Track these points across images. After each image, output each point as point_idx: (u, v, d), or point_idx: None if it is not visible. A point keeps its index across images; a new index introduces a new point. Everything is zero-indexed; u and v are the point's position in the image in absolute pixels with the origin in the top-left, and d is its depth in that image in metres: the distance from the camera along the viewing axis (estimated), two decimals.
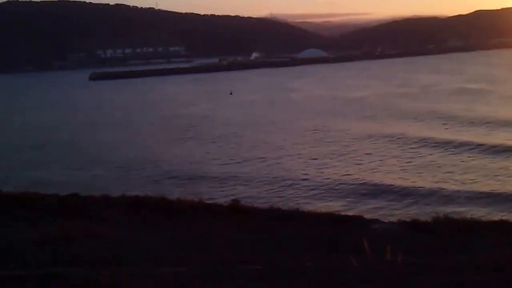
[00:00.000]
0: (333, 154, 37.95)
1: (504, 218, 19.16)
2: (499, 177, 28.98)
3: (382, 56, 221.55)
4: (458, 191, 26.76)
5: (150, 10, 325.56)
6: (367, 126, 49.03)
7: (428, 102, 64.49)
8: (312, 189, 29.07)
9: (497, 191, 26.01)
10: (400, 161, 34.51)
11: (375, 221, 17.94)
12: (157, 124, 59.24)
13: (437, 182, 28.85)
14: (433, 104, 62.57)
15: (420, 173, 31.31)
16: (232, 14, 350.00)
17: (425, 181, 29.21)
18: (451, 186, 27.71)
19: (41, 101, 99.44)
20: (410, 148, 38.42)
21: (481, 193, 26.00)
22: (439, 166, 32.58)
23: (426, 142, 39.93)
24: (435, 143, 39.06)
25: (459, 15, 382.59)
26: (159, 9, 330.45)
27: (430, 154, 36.33)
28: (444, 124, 48.25)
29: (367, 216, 19.49)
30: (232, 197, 21.66)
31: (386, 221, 18.26)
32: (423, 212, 21.14)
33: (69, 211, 16.57)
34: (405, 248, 14.80)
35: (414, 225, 16.95)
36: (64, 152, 44.85)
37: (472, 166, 32.09)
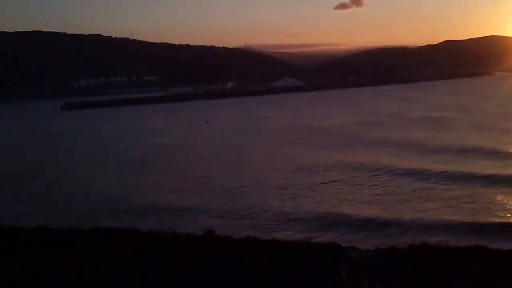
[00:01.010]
0: (302, 183, 37.62)
1: (481, 244, 19.09)
2: (462, 205, 29.00)
3: (354, 85, 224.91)
4: (421, 218, 26.66)
5: (125, 39, 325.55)
6: (334, 155, 49.00)
7: (394, 131, 65.06)
8: (285, 218, 28.70)
9: (459, 220, 26.04)
10: (369, 190, 34.36)
11: (352, 248, 17.74)
12: (126, 155, 58.29)
13: (405, 210, 28.74)
14: (397, 132, 63.12)
15: (388, 201, 31.17)
16: (207, 44, 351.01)
17: (394, 210, 29.08)
18: (416, 214, 27.62)
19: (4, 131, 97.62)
20: (375, 176, 38.30)
21: (446, 220, 26.00)
22: (403, 194, 32.47)
23: (390, 170, 39.72)
24: (406, 172, 38.87)
25: (429, 45, 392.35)
26: (134, 39, 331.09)
27: (394, 182, 36.18)
28: (409, 152, 48.41)
29: (344, 244, 19.25)
30: (206, 227, 21.17)
31: (363, 248, 18.06)
32: (396, 240, 20.97)
33: (37, 243, 16.03)
34: (384, 277, 14.62)
35: (391, 253, 16.79)
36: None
37: (436, 194, 32.08)
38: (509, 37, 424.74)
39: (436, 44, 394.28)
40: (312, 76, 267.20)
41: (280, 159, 48.45)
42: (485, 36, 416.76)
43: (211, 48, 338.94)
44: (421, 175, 37.24)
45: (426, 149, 48.92)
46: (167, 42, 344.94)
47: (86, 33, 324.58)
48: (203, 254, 16.58)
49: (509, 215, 26.36)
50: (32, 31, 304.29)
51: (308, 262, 15.91)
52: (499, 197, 30.13)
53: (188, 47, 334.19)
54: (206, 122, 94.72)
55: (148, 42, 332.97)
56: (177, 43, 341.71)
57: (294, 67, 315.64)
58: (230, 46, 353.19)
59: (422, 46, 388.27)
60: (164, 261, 15.74)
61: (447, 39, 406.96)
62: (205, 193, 36.09)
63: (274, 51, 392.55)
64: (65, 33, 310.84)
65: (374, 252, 17.14)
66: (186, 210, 31.07)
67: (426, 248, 17.20)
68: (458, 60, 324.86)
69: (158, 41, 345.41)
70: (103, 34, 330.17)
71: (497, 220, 25.40)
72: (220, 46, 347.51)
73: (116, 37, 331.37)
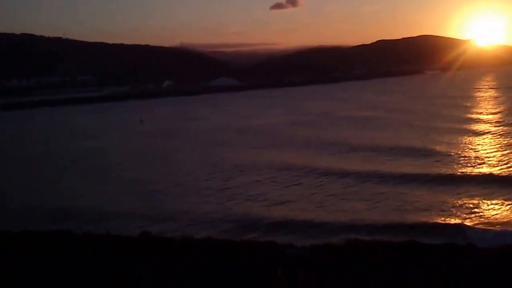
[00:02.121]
0: (232, 183, 37.08)
1: (413, 239, 19.59)
2: (389, 203, 29.36)
3: (290, 84, 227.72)
4: (351, 217, 26.79)
5: (58, 39, 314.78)
6: (264, 155, 48.71)
7: (325, 130, 65.66)
8: (212, 218, 28.23)
9: (387, 218, 26.48)
10: (298, 190, 34.16)
11: (289, 246, 17.76)
12: (57, 157, 56.20)
13: (333, 210, 28.82)
14: (328, 132, 63.69)
15: (317, 201, 31.15)
16: (142, 43, 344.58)
17: (323, 209, 29.16)
18: (345, 214, 27.78)
19: None
20: (304, 176, 38.06)
21: (374, 219, 26.31)
22: (331, 194, 32.50)
23: (318, 170, 39.46)
24: (336, 171, 38.71)
25: (363, 45, 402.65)
26: (66, 38, 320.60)
27: (324, 182, 36.18)
28: (338, 151, 48.47)
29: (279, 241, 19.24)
30: (141, 229, 20.67)
31: (299, 246, 18.12)
32: (329, 238, 21.10)
33: None
34: (320, 273, 14.68)
35: (327, 249, 16.93)
36: None
37: (365, 193, 32.19)
38: (440, 37, 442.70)
39: (369, 44, 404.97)
40: (249, 75, 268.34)
41: (211, 160, 47.69)
42: (417, 36, 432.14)
43: (146, 47, 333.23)
44: (352, 174, 37.42)
45: (355, 148, 49.24)
46: (102, 41, 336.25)
47: (17, 32, 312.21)
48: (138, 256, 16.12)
49: (434, 213, 27.01)
50: None
51: (244, 261, 15.76)
52: (426, 195, 30.70)
53: (123, 47, 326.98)
54: (142, 122, 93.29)
55: (82, 41, 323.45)
56: (111, 43, 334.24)
57: (231, 66, 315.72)
58: (165, 46, 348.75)
59: (356, 46, 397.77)
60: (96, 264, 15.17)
61: (380, 38, 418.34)
62: (127, 195, 35.06)
63: (210, 50, 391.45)
64: None
65: (310, 249, 17.23)
66: (109, 213, 29.94)
67: (361, 244, 17.47)
68: (391, 60, 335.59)
69: (92, 41, 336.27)
70: (35, 34, 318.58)
71: (423, 219, 25.87)
72: (156, 45, 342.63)
73: (48, 37, 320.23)
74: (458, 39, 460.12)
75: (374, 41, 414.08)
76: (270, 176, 38.87)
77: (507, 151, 43.68)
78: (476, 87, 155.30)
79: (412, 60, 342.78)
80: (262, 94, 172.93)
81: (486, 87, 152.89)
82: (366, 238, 18.16)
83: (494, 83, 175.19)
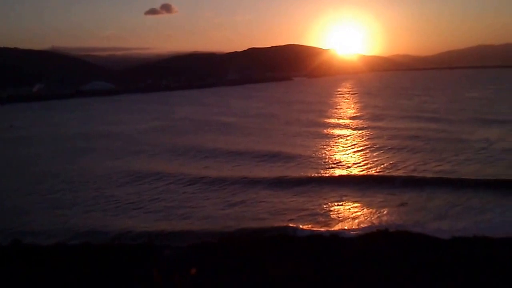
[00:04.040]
0: (80, 194, 34.76)
1: (282, 233, 20.78)
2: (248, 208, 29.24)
3: (166, 88, 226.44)
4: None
5: None
6: (121, 163, 45.80)
7: (185, 136, 63.37)
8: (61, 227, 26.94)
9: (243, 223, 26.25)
10: (153, 198, 33.15)
11: (165, 247, 18.11)
12: None
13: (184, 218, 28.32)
14: (189, 137, 61.29)
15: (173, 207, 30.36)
16: (11, 46, 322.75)
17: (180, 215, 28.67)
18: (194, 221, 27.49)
19: None
20: (160, 183, 36.66)
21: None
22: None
23: (176, 177, 37.98)
24: (194, 178, 36.54)
25: (236, 52, 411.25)
26: None
27: (180, 189, 34.29)
28: (196, 156, 47.39)
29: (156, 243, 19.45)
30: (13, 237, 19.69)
31: (175, 246, 18.51)
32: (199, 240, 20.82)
33: None
34: (196, 269, 15.22)
35: (204, 247, 17.53)
36: None
37: (221, 198, 31.04)
38: (305, 46, 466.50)
39: (242, 51, 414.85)
40: (124, 79, 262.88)
41: (62, 169, 44.53)
42: (284, 45, 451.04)
43: (15, 50, 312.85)
44: (209, 180, 36.52)
45: (214, 154, 48.35)
46: None
47: None
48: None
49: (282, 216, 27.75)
50: None
51: (120, 264, 15.88)
52: (281, 199, 30.75)
53: None
54: (11, 127, 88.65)
55: None
56: None
57: (105, 70, 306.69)
58: (36, 49, 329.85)
59: (229, 53, 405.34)
60: None
61: (252, 46, 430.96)
62: None
63: (84, 53, 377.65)
64: None
65: (187, 248, 17.72)
66: None
67: (235, 240, 18.31)
68: (262, 66, 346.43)
69: None
70: None
71: (279, 223, 26.16)
72: (26, 48, 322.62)
73: None
74: (320, 48, 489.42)
75: (246, 48, 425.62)
76: (125, 181, 37.49)
77: (359, 154, 46.12)
78: (336, 93, 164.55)
79: (280, 67, 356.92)
80: (136, 99, 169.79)
81: (344, 93, 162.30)
82: (237, 235, 18.95)
83: (351, 89, 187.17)
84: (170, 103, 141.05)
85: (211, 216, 27.56)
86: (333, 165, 41.05)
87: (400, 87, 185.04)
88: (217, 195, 32.52)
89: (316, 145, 52.42)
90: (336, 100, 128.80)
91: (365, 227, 23.68)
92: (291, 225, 24.64)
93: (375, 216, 26.30)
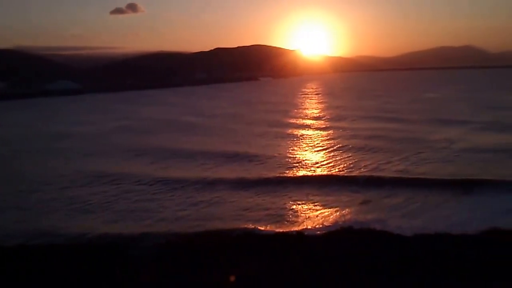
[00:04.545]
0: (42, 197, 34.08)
1: (247, 232, 21.02)
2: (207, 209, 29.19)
3: (132, 88, 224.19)
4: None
5: None
6: (81, 165, 44.94)
7: (146, 136, 62.13)
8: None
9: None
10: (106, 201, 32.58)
11: (131, 246, 18.14)
12: None
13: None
14: (150, 138, 59.89)
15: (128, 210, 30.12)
16: None
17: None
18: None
19: None
20: (116, 185, 36.15)
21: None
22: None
23: (128, 177, 37.34)
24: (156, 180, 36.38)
25: (202, 52, 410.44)
26: None
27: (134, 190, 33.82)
28: (156, 158, 46.13)
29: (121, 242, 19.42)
30: None
31: (142, 245, 18.55)
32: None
33: None
34: (162, 268, 15.34)
35: (169, 246, 17.64)
36: None
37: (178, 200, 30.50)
38: (271, 46, 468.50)
39: (208, 51, 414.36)
40: (89, 79, 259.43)
41: (24, 170, 43.41)
42: (251, 45, 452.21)
43: None
44: (169, 181, 35.86)
45: (176, 154, 47.62)
46: None
47: None
48: None
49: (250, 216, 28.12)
50: None
51: (84, 264, 15.86)
52: (245, 199, 30.58)
53: None
54: None
55: None
56: None
57: (71, 69, 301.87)
58: None
59: (195, 53, 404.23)
60: None
61: (218, 46, 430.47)
62: None
63: (50, 53, 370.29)
64: None
65: (152, 248, 17.79)
66: None
67: (201, 240, 18.49)
68: (229, 66, 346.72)
69: None
70: None
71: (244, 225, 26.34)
72: None
73: None
74: (286, 49, 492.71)
75: (212, 48, 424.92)
76: (87, 181, 36.92)
77: (322, 153, 46.39)
78: (300, 93, 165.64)
79: (247, 67, 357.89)
80: (102, 98, 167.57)
81: (308, 93, 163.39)
82: (203, 235, 19.12)
83: (316, 90, 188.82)
84: (135, 102, 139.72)
85: (175, 216, 27.50)
86: (296, 165, 41.27)
87: (363, 88, 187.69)
88: (180, 195, 32.23)
89: (280, 145, 52.65)
90: (301, 100, 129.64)
91: (329, 226, 24.12)
92: (251, 226, 24.80)
93: (339, 214, 26.76)
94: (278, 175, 37.22)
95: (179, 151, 49.85)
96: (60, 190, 35.06)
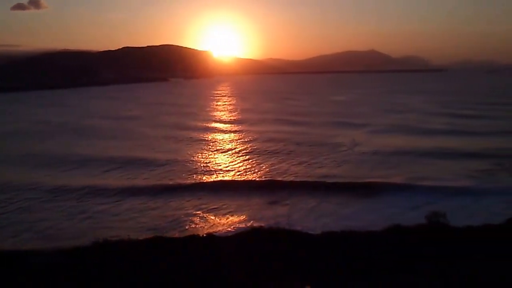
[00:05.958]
0: None
1: (157, 236, 20.99)
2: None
3: (35, 87, 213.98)
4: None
5: None
6: None
7: (38, 141, 57.86)
8: None
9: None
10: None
11: (35, 253, 17.64)
12: None
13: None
14: (38, 142, 56.09)
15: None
16: None
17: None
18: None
19: None
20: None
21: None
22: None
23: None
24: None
25: (110, 50, 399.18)
26: None
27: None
28: (47, 164, 43.31)
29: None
30: None
31: (47, 252, 18.07)
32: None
33: None
34: (66, 276, 15.11)
35: (77, 253, 17.30)
36: None
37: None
38: (182, 47, 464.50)
39: (116, 50, 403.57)
40: None
41: None
42: (161, 45, 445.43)
43: None
44: (64, 190, 33.92)
45: (67, 161, 44.32)
46: None
47: None
48: None
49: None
50: None
51: None
52: (148, 205, 30.25)
53: None
54: None
55: None
56: None
57: None
58: None
59: (102, 52, 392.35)
60: None
61: (126, 45, 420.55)
62: None
63: None
64: None
65: (59, 255, 17.36)
66: None
67: (107, 246, 18.34)
68: (138, 66, 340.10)
69: None
70: None
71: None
72: None
73: None
74: (197, 50, 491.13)
75: (120, 47, 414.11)
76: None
77: (225, 158, 46.45)
78: (209, 95, 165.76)
79: (157, 67, 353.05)
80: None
81: (217, 95, 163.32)
82: (115, 239, 18.90)
83: (224, 92, 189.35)
84: (34, 104, 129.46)
85: (70, 226, 26.44)
86: (201, 169, 40.80)
87: (272, 90, 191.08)
88: (71, 204, 30.69)
89: (183, 149, 51.69)
90: (208, 103, 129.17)
91: (239, 227, 24.66)
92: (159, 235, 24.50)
93: (248, 216, 27.47)
94: (183, 182, 36.24)
95: (68, 156, 46.78)
96: None
